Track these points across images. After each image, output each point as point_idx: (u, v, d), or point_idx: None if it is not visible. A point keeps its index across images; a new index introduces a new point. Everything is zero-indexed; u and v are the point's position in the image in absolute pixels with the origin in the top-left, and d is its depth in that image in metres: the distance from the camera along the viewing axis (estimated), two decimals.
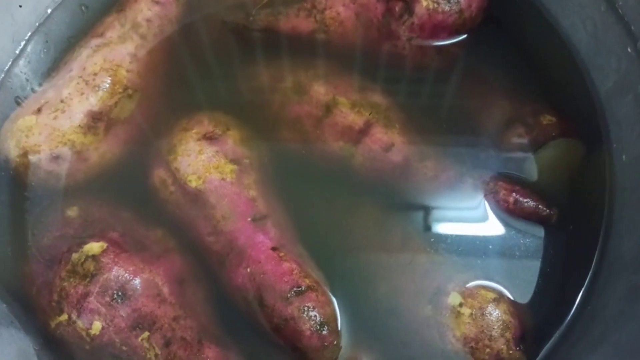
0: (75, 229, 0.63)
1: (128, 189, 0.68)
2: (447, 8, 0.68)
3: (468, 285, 0.58)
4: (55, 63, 0.76)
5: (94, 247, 0.60)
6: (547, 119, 0.66)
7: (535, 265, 0.60)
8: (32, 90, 0.75)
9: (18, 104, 0.73)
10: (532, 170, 0.65)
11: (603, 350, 0.52)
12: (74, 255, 0.60)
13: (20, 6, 0.73)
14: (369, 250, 0.62)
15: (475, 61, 0.72)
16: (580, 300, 0.58)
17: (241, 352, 0.56)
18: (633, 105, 0.60)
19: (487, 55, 0.72)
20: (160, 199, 0.65)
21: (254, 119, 0.71)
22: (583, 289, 0.58)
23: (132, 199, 0.66)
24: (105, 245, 0.60)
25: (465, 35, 0.71)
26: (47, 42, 0.78)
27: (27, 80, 0.75)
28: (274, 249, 0.60)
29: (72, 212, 0.65)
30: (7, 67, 0.73)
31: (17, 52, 0.74)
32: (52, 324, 0.58)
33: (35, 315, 0.59)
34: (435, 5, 0.68)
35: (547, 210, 0.61)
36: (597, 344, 0.53)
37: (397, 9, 0.70)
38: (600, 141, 0.64)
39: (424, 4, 0.68)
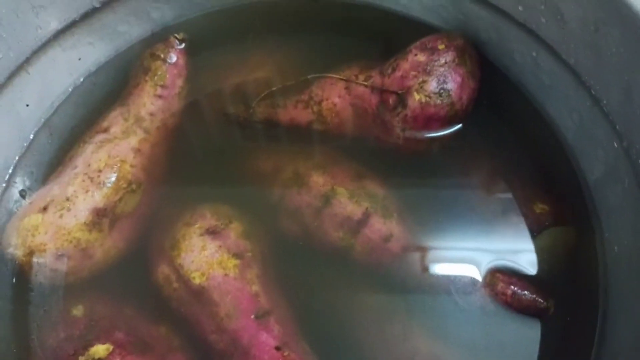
0: (80, 329, 0.64)
1: (132, 284, 0.69)
2: (438, 101, 0.71)
3: None
4: (58, 153, 0.78)
5: (100, 349, 0.61)
6: (540, 208, 0.68)
7: (534, 356, 0.61)
8: (36, 181, 0.77)
9: (22, 196, 0.75)
10: (527, 259, 0.66)
11: None
12: (81, 359, 0.60)
13: (27, 105, 0.76)
14: (372, 344, 0.63)
15: (468, 150, 0.74)
16: None
17: None
18: (622, 197, 0.62)
19: (479, 145, 0.74)
20: (164, 295, 0.66)
21: (254, 210, 0.72)
22: None
23: (136, 295, 0.67)
24: (111, 347, 0.61)
25: (458, 125, 0.74)
26: (51, 134, 0.80)
27: (32, 172, 0.77)
28: (277, 348, 0.60)
29: (78, 311, 0.66)
30: (14, 164, 0.75)
31: (24, 147, 0.77)
32: None
33: None
34: (427, 98, 0.71)
35: (544, 302, 0.63)
36: None
37: (390, 101, 0.73)
38: (592, 230, 0.66)
39: (417, 97, 0.71)
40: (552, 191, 0.70)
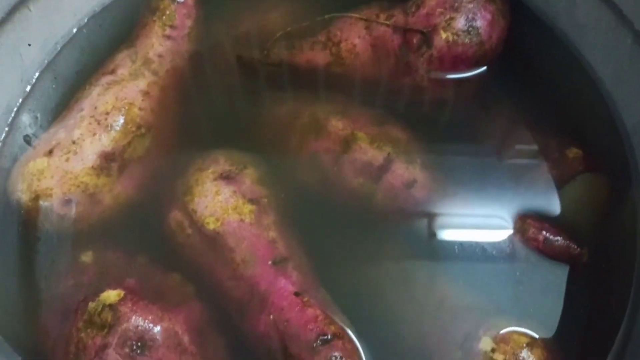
0: (90, 276, 0.61)
1: (143, 231, 0.66)
2: (467, 40, 0.67)
3: (500, 329, 0.56)
4: (63, 98, 0.74)
5: (111, 295, 0.58)
6: (574, 152, 0.64)
7: (568, 307, 0.58)
8: (41, 127, 0.73)
9: (27, 142, 0.72)
10: (559, 206, 0.63)
11: None
12: (91, 305, 0.57)
13: (30, 45, 0.72)
14: (394, 294, 0.60)
15: (496, 93, 0.70)
16: (617, 345, 0.56)
17: None
18: None
19: (508, 87, 0.70)
20: (177, 242, 0.63)
21: (270, 156, 0.69)
22: (619, 332, 0.56)
23: (148, 242, 0.65)
24: (122, 293, 0.58)
25: (485, 67, 0.69)
26: (55, 78, 0.76)
27: (36, 117, 0.74)
28: (296, 294, 0.57)
29: (87, 257, 0.63)
30: (16, 107, 0.72)
31: (27, 91, 0.73)
32: None
33: None
34: (455, 37, 0.67)
35: (578, 249, 0.59)
36: None
37: (414, 41, 0.69)
38: (629, 178, 0.62)
39: (443, 36, 0.67)
40: (585, 138, 0.65)
